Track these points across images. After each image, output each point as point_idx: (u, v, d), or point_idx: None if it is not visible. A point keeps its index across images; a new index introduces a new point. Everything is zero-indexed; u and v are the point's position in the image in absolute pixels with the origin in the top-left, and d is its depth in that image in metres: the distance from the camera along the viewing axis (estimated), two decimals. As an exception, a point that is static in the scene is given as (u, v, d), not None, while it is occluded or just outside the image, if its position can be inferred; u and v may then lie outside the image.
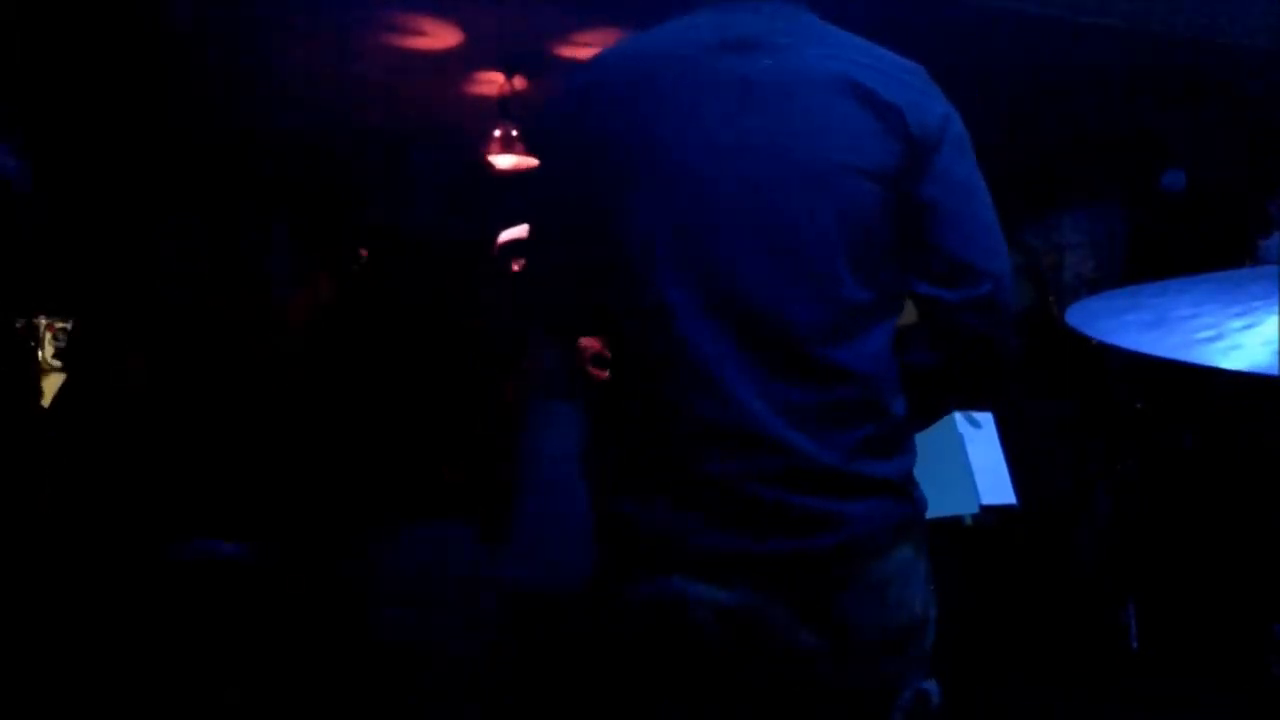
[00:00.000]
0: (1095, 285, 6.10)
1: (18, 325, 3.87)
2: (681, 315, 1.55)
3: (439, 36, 4.87)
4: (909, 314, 1.67)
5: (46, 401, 3.55)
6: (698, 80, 1.60)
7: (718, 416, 1.53)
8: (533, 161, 5.28)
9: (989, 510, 2.92)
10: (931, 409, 1.73)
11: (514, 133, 5.28)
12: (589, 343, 1.91)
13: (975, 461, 2.87)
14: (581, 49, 4.95)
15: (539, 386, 3.07)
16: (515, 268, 3.25)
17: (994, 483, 2.93)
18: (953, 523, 2.87)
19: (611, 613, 1.60)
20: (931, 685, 1.60)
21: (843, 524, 1.52)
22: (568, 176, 1.65)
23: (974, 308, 1.59)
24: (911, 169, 1.58)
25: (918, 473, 1.65)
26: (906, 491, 1.61)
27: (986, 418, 2.98)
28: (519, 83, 5.26)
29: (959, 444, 2.83)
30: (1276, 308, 1.34)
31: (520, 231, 3.32)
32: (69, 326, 4.00)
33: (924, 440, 1.68)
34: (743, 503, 1.52)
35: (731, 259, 1.55)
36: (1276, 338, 1.31)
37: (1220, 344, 1.34)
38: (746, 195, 1.56)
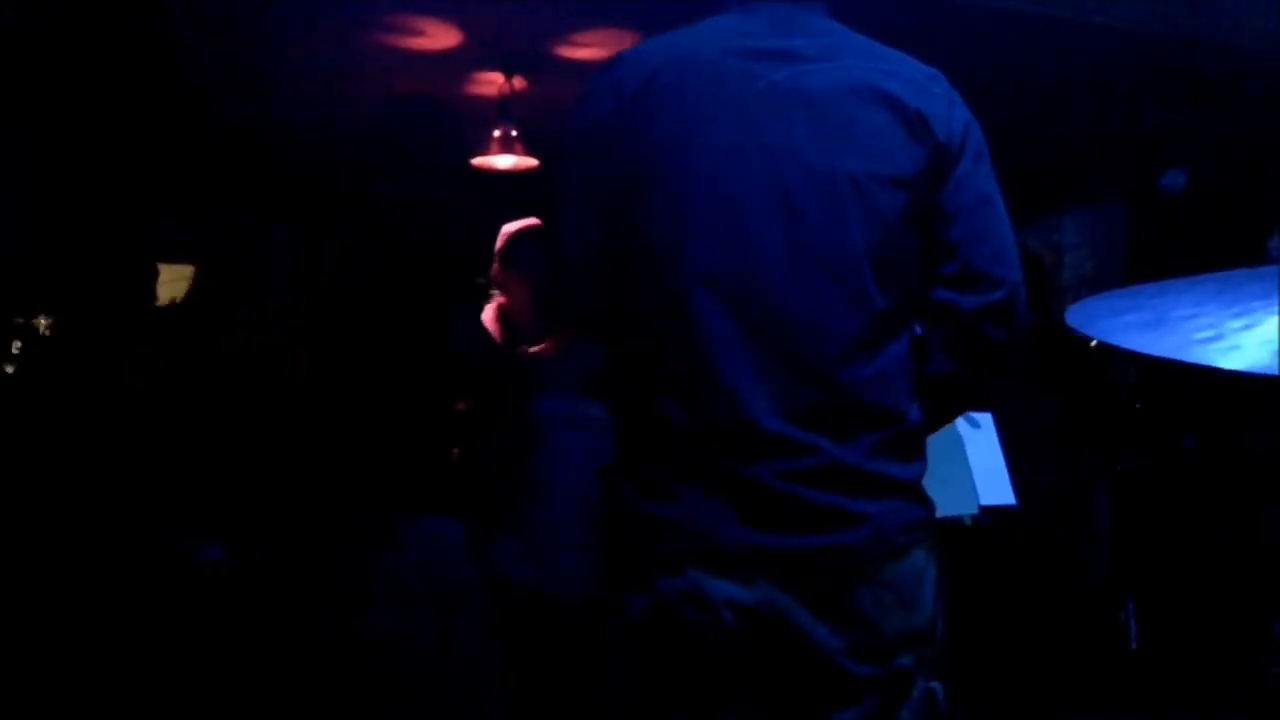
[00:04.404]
0: (1095, 285, 6.10)
1: (17, 323, 3.87)
2: (705, 317, 1.56)
3: (439, 36, 4.86)
4: None
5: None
6: (726, 84, 1.61)
7: (740, 418, 1.54)
8: (532, 161, 5.30)
9: (988, 511, 2.92)
10: (945, 413, 1.76)
11: (514, 133, 5.27)
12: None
13: (975, 462, 2.86)
14: (581, 49, 4.95)
15: (563, 389, 3.07)
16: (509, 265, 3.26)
17: (993, 483, 2.93)
18: (952, 523, 2.87)
19: (627, 609, 1.61)
20: (938, 685, 1.61)
21: (865, 521, 1.55)
22: (593, 175, 1.66)
23: (990, 314, 1.62)
24: (934, 175, 1.61)
25: (917, 473, 1.66)
26: (921, 494, 1.64)
27: (986, 418, 2.98)
28: (519, 83, 5.25)
29: (958, 445, 2.82)
30: (1275, 308, 1.34)
31: (525, 224, 3.34)
32: (67, 325, 3.99)
33: (923, 441, 1.69)
34: (768, 500, 1.53)
35: (757, 263, 1.57)
36: (1275, 338, 1.31)
37: (1219, 344, 1.34)
38: (773, 200, 1.57)
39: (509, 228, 3.27)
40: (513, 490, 3.06)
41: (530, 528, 3.02)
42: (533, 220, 3.24)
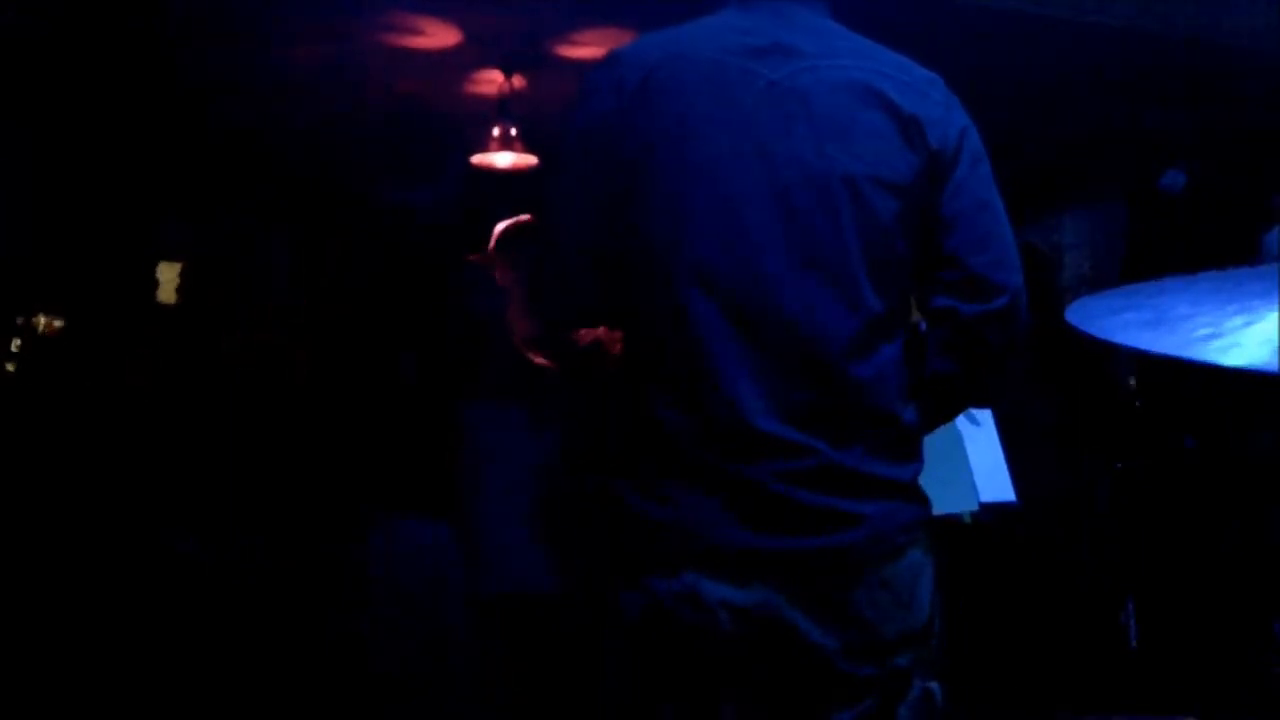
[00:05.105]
0: (1095, 285, 6.09)
1: (17, 323, 3.87)
2: (703, 317, 1.56)
3: (439, 36, 4.87)
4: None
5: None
6: (725, 83, 1.61)
7: (737, 418, 1.54)
8: (532, 160, 5.30)
9: (988, 508, 2.92)
10: (944, 414, 1.77)
11: (513, 132, 5.27)
12: (592, 334, 1.90)
13: (975, 459, 2.86)
14: (581, 49, 4.95)
15: (489, 388, 3.06)
16: (508, 263, 3.24)
17: (993, 480, 2.93)
18: (952, 521, 2.87)
19: (626, 610, 1.61)
20: (936, 685, 1.61)
21: (863, 521, 1.55)
22: (594, 173, 1.65)
23: (992, 320, 1.62)
24: (930, 182, 1.61)
25: (917, 471, 1.66)
26: (918, 494, 1.64)
27: (986, 416, 2.98)
28: (518, 82, 5.25)
29: (958, 442, 2.82)
30: (1276, 306, 1.34)
31: (516, 221, 3.33)
32: (67, 325, 3.99)
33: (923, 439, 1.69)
34: (767, 502, 1.53)
35: (755, 264, 1.57)
36: (1276, 336, 1.31)
37: (1219, 342, 1.34)
38: (769, 201, 1.57)
39: (502, 226, 3.26)
40: (457, 493, 3.08)
41: (466, 529, 3.04)
42: (525, 217, 3.24)
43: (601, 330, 1.82)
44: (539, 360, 2.94)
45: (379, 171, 6.05)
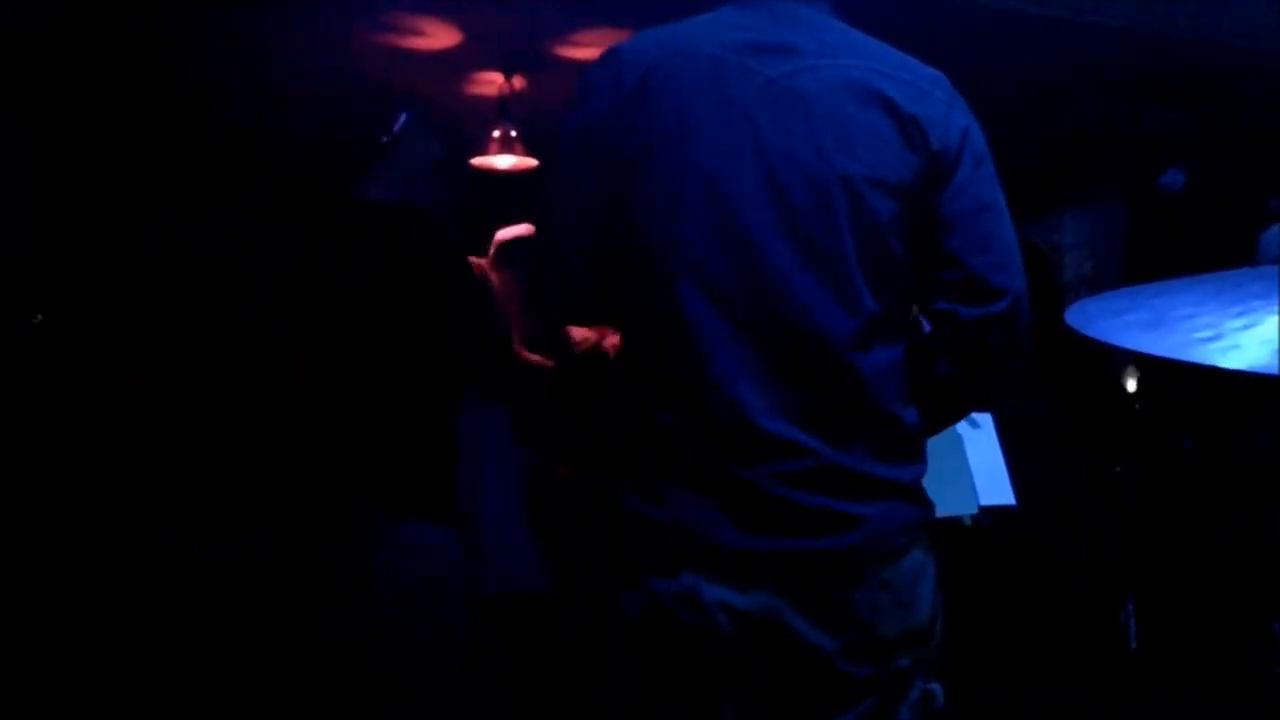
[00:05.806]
0: (1095, 285, 6.09)
1: (17, 323, 3.87)
2: (701, 317, 1.56)
3: (439, 36, 4.87)
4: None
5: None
6: (722, 81, 1.60)
7: (736, 418, 1.54)
8: (532, 161, 5.30)
9: (988, 511, 2.91)
10: (946, 416, 1.75)
11: (513, 133, 5.27)
12: (583, 333, 1.90)
13: (974, 462, 2.86)
14: (581, 49, 4.95)
15: (489, 388, 3.06)
16: (501, 271, 3.25)
17: (993, 483, 2.93)
18: (952, 523, 2.86)
19: (625, 610, 1.60)
20: (937, 686, 1.61)
21: (862, 523, 1.54)
22: (593, 171, 1.65)
23: (993, 323, 1.61)
24: (930, 183, 1.59)
25: (917, 473, 1.65)
26: (920, 495, 1.63)
27: (986, 418, 2.98)
28: (518, 83, 5.25)
29: (958, 444, 2.82)
30: (1276, 307, 1.34)
31: (519, 230, 3.34)
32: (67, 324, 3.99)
33: (923, 441, 1.68)
34: (766, 503, 1.53)
35: (752, 264, 1.56)
36: (1275, 337, 1.31)
37: (1219, 343, 1.34)
38: (767, 201, 1.56)
39: (503, 233, 3.26)
40: (457, 494, 3.08)
41: (467, 529, 3.04)
42: (524, 228, 3.24)
43: (599, 331, 1.82)
44: (533, 358, 2.94)
45: (376, 171, 6.04)
